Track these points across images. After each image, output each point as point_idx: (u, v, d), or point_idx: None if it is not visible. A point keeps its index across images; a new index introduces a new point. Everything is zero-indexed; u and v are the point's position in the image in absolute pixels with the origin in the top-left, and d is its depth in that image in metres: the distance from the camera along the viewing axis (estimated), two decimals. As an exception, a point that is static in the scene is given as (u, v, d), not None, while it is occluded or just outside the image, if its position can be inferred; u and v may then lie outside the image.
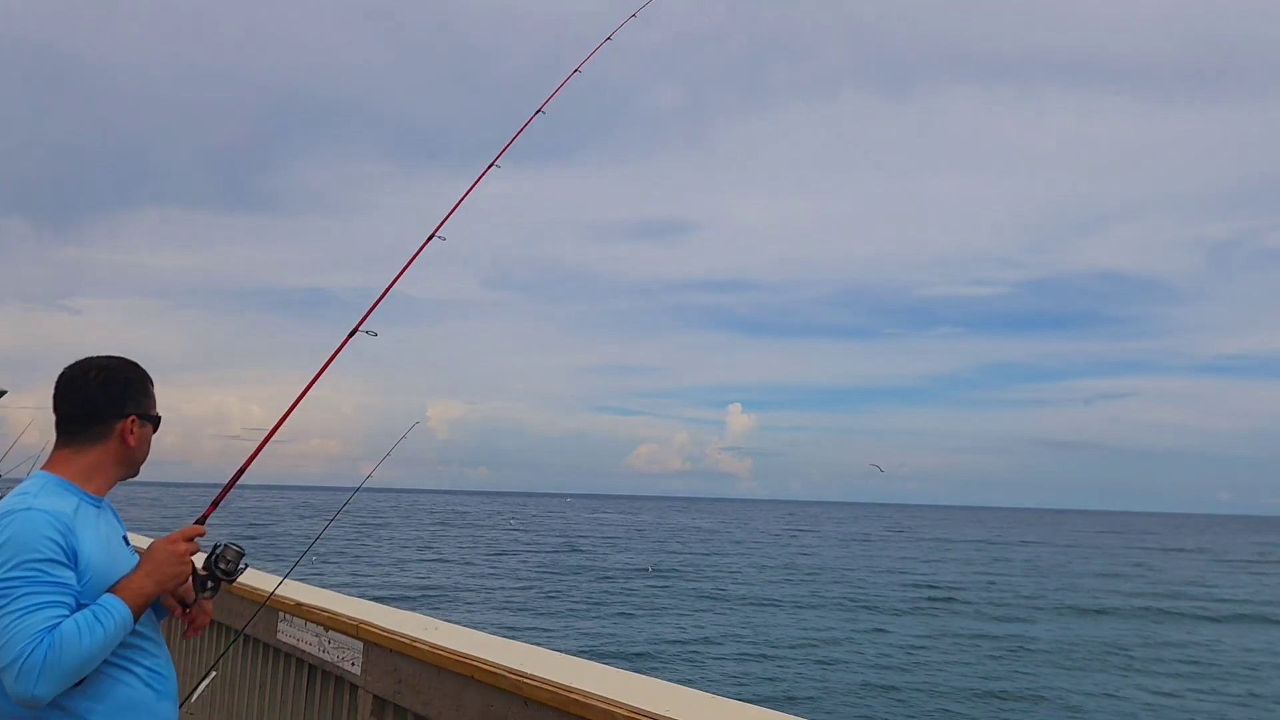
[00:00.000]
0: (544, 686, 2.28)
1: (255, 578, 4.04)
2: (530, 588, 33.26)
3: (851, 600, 32.16)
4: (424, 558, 44.26)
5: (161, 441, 2.31)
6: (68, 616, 1.91)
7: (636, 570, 40.87)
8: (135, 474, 2.29)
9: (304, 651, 3.66)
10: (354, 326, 2.76)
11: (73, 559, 1.98)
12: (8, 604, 1.86)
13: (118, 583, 2.06)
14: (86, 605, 1.97)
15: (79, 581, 1.98)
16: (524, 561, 44.16)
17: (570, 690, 2.19)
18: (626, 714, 2.01)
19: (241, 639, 4.13)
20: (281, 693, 3.92)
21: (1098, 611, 31.39)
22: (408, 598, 27.62)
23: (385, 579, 33.97)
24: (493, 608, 27.63)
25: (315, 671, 3.64)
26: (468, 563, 42.66)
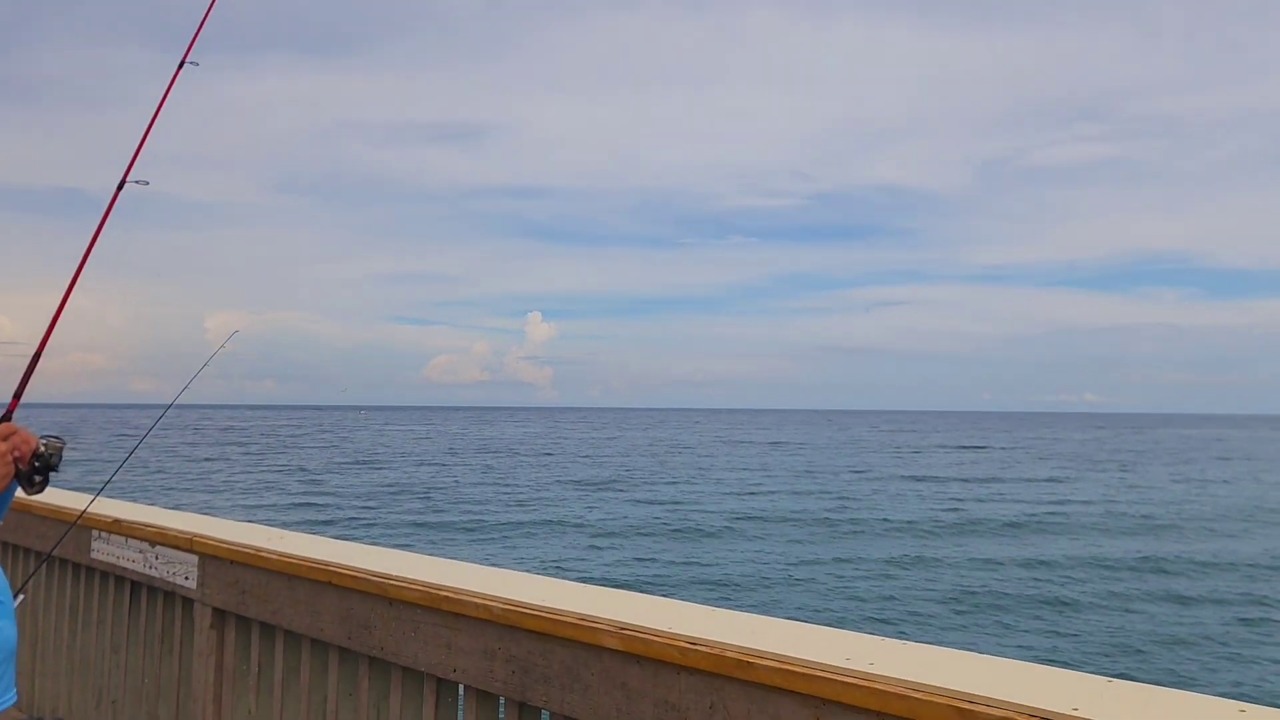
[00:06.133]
0: (412, 586, 2.32)
1: (62, 496, 3.80)
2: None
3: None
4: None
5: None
6: None
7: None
8: None
9: (125, 569, 3.51)
10: (121, 178, 2.51)
11: None
12: None
13: None
14: None
15: None
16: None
17: (441, 588, 2.25)
18: (502, 607, 2.10)
19: (50, 562, 3.90)
20: (99, 613, 3.75)
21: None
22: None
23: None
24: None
25: (140, 589, 3.51)
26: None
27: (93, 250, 2.37)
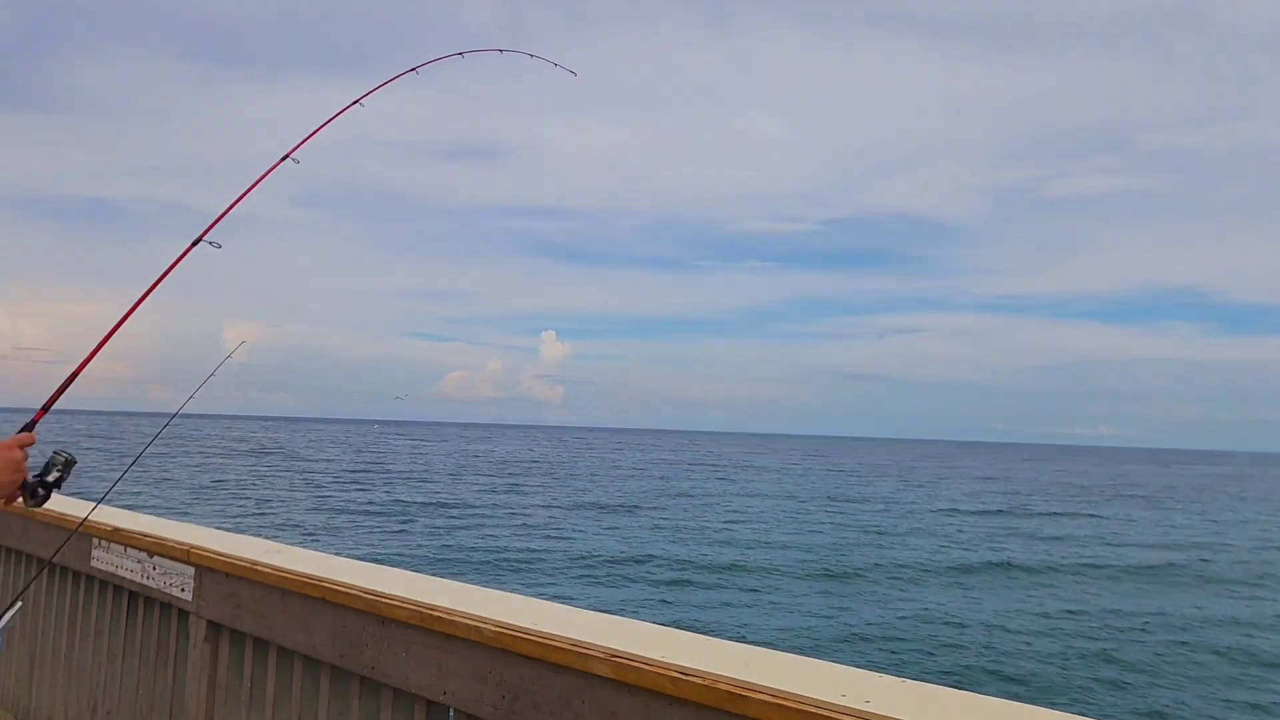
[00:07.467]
0: (404, 605, 2.30)
1: (64, 504, 3.80)
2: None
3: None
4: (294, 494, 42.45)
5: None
6: None
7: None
8: None
9: (123, 579, 3.50)
10: (198, 236, 2.50)
11: None
12: None
13: None
14: None
15: None
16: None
17: (433, 608, 2.23)
18: (493, 629, 2.07)
19: (50, 568, 3.89)
20: (96, 623, 3.73)
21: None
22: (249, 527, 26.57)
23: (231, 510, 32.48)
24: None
25: (137, 599, 3.49)
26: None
27: (150, 295, 2.35)
